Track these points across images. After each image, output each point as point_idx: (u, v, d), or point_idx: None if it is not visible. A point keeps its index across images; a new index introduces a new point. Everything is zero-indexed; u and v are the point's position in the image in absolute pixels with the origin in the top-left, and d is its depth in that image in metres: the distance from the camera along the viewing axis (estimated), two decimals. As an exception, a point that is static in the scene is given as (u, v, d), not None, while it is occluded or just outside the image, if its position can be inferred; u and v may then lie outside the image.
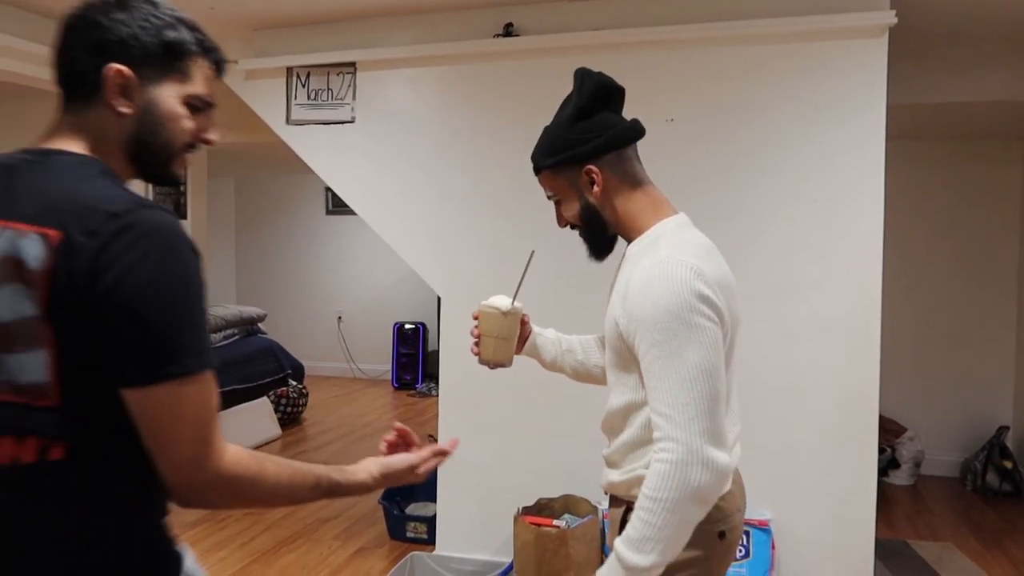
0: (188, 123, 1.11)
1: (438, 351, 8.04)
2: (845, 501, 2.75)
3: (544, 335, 1.72)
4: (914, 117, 3.90)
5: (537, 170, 1.46)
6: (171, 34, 1.07)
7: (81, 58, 1.04)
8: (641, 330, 1.27)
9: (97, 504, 0.99)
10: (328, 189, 8.10)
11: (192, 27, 1.10)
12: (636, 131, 1.42)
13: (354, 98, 3.21)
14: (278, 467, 1.06)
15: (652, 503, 1.22)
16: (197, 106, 1.12)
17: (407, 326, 7.73)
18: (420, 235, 3.21)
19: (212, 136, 1.15)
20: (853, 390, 2.74)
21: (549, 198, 1.47)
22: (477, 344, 1.62)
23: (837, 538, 2.77)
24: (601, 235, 1.45)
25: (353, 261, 8.22)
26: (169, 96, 1.08)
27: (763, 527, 2.76)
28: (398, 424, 1.29)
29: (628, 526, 1.26)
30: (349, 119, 3.22)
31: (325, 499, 1.14)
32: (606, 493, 1.54)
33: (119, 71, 1.03)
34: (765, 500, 2.83)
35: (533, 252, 1.70)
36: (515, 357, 1.67)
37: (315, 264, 8.37)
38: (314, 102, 3.25)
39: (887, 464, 4.57)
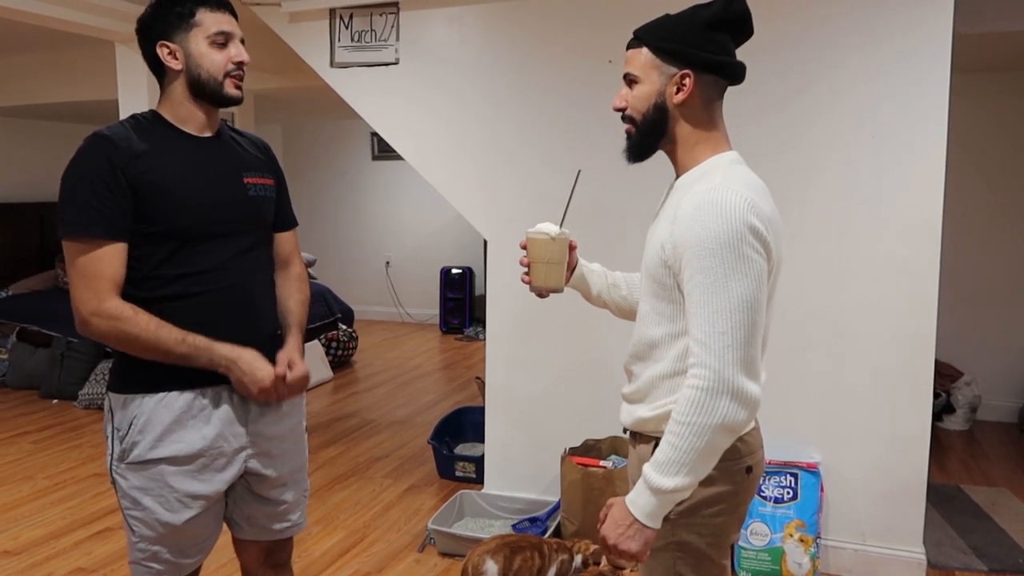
0: (218, 56, 1.59)
1: (485, 295, 8.10)
2: (898, 444, 2.71)
3: (590, 267, 1.71)
4: (982, 47, 3.70)
5: (638, 43, 1.38)
6: (177, 6, 1.57)
7: (146, 56, 1.63)
8: (688, 255, 1.26)
9: None
10: (374, 134, 8.09)
11: None
12: (742, 72, 1.39)
13: (398, 39, 3.17)
14: (151, 321, 1.52)
15: (680, 427, 1.24)
16: (219, 41, 1.59)
17: (454, 270, 7.77)
18: (466, 178, 3.19)
19: (240, 58, 1.61)
20: (909, 331, 2.67)
21: (626, 76, 1.40)
22: (527, 273, 1.60)
23: (889, 482, 2.74)
24: (651, 137, 1.40)
25: (400, 206, 8.25)
26: (195, 44, 1.58)
27: (812, 469, 2.74)
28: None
29: (657, 450, 1.28)
30: (393, 60, 3.18)
31: (193, 354, 1.54)
32: (626, 431, 1.53)
33: (162, 44, 1.58)
34: (815, 442, 2.81)
35: (580, 171, 1.69)
36: (564, 288, 1.66)
37: (362, 209, 8.42)
38: (357, 44, 3.22)
39: (942, 409, 4.49)
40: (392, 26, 3.16)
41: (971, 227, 4.57)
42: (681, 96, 1.35)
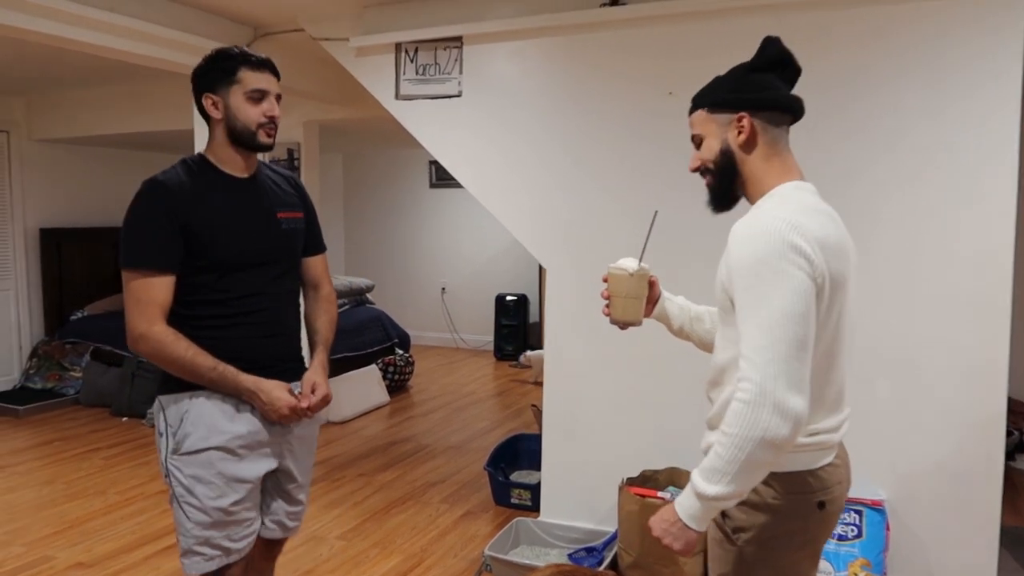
0: (253, 110, 1.81)
1: (539, 322, 8.06)
2: (968, 483, 2.63)
3: (674, 301, 1.75)
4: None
5: (695, 108, 1.52)
6: (223, 63, 1.82)
7: (196, 103, 1.86)
8: (735, 277, 1.31)
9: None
10: (432, 162, 8.24)
11: (236, 52, 1.82)
12: (795, 103, 1.47)
13: (461, 72, 3.25)
14: (189, 348, 1.74)
15: (725, 437, 1.26)
16: (255, 97, 1.82)
17: (508, 297, 7.81)
18: (526, 207, 3.23)
19: (271, 113, 1.83)
20: (980, 367, 2.59)
21: (693, 139, 1.53)
22: (608, 306, 1.68)
23: (958, 523, 2.65)
24: (728, 182, 1.48)
25: (456, 233, 8.36)
26: (234, 98, 1.81)
27: (877, 507, 2.67)
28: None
29: (705, 458, 1.31)
30: (456, 93, 3.27)
31: (221, 382, 1.76)
32: (705, 454, 1.55)
33: (207, 96, 1.83)
34: (880, 479, 2.74)
35: (656, 212, 1.76)
36: (643, 321, 1.71)
37: (419, 236, 8.56)
38: (422, 77, 3.31)
39: (1014, 448, 4.32)
40: (456, 59, 3.25)
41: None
42: (742, 137, 1.44)
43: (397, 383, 6.24)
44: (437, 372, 7.11)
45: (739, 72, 1.48)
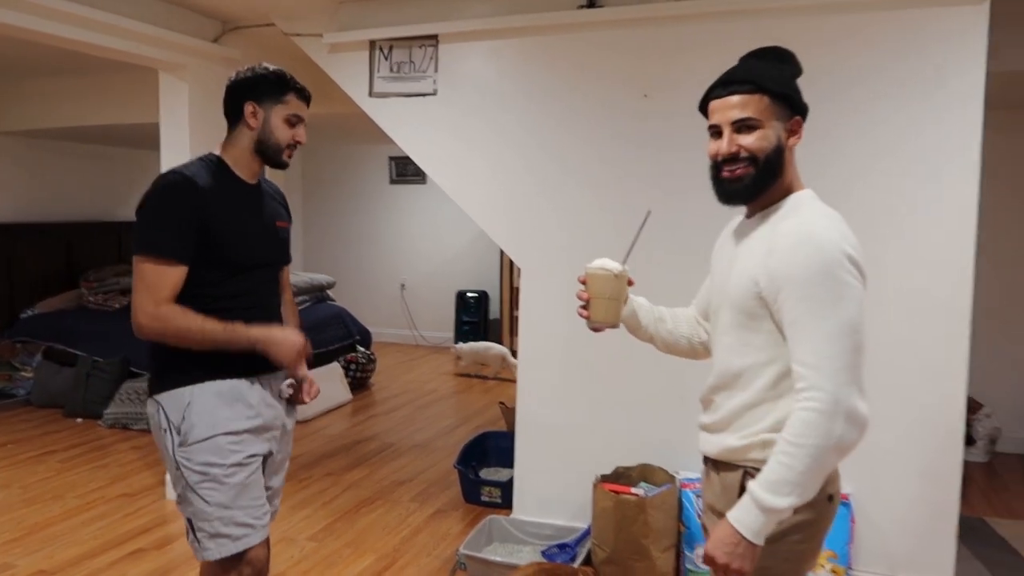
0: (287, 132, 1.95)
1: (500, 319, 8.04)
2: (929, 477, 2.73)
3: (639, 301, 1.74)
4: (1016, 85, 3.75)
5: (752, 90, 1.41)
6: (277, 82, 1.93)
7: (230, 102, 1.95)
8: (788, 287, 1.32)
9: None
10: (392, 158, 8.18)
11: (289, 77, 1.95)
12: None
13: (436, 70, 3.25)
14: (197, 317, 1.80)
15: (795, 448, 1.28)
16: (292, 121, 1.95)
17: (469, 294, 7.81)
18: (502, 207, 3.24)
19: (300, 139, 1.99)
20: (940, 365, 2.70)
21: (741, 121, 1.42)
22: (585, 307, 1.63)
23: (919, 515, 2.75)
24: (769, 179, 1.43)
25: (416, 229, 8.33)
26: (276, 116, 1.93)
27: (843, 500, 2.76)
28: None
29: (765, 470, 1.31)
30: (431, 91, 3.26)
31: (235, 338, 1.83)
32: (707, 460, 1.57)
33: (250, 103, 1.92)
34: (845, 473, 2.80)
35: (649, 212, 1.71)
36: (620, 324, 1.69)
37: (379, 233, 8.49)
38: (396, 74, 3.29)
39: (964, 441, 4.49)
40: (431, 58, 3.24)
41: (997, 260, 4.59)
42: (795, 140, 1.46)
43: (359, 381, 6.20)
44: (398, 369, 7.07)
45: (791, 74, 1.47)
